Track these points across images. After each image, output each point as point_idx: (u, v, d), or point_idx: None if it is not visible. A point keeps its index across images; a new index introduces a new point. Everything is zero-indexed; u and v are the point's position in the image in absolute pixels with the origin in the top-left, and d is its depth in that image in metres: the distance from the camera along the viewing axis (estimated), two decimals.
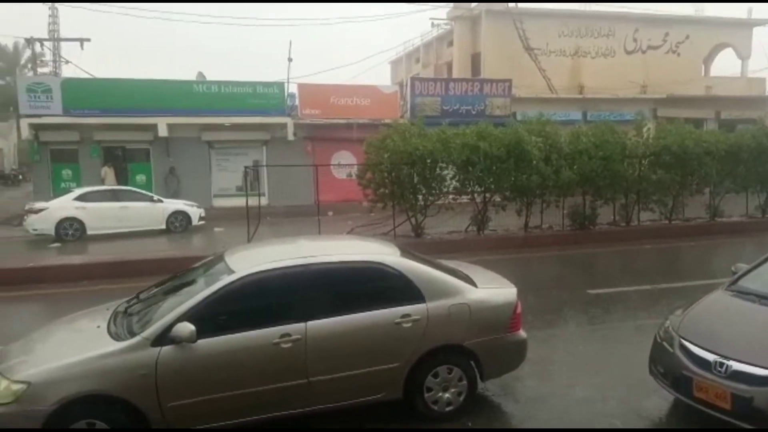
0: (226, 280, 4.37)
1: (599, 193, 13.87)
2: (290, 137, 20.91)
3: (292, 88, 21.81)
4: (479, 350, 4.76)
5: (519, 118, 14.73)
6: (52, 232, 14.75)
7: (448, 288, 4.82)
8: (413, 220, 12.98)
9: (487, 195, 13.31)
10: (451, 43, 31.95)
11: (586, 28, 28.07)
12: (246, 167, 15.03)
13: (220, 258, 4.97)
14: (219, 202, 20.14)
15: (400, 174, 12.34)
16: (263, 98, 20.84)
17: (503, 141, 12.72)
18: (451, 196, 13.18)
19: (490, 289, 5.07)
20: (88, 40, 29.19)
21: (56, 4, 29.53)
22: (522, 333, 5.00)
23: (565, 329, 7.28)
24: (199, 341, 4.07)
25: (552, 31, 27.45)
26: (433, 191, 12.82)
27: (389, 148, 12.41)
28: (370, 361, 4.48)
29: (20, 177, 33.62)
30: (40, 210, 14.99)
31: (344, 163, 18.68)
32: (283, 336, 4.27)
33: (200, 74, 24.07)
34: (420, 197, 12.83)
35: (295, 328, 4.32)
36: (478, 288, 4.97)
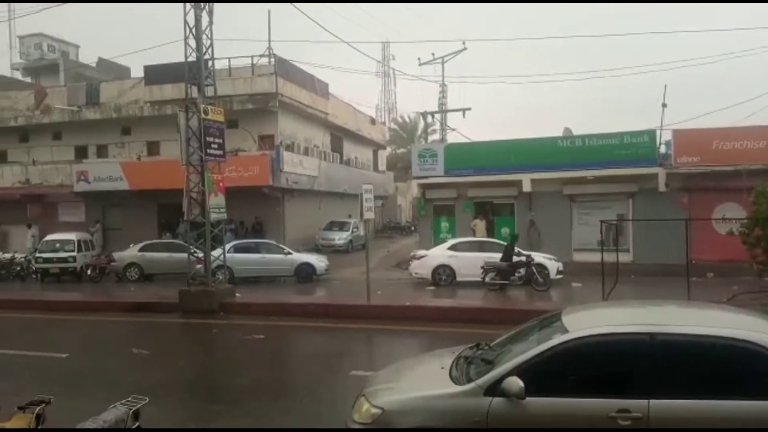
0: (558, 339, 4.18)
1: None
2: (661, 188, 19.05)
3: (666, 135, 20.04)
4: None
5: None
6: (429, 277, 16.87)
7: None
8: None
9: None
10: None
11: None
12: (602, 221, 14.20)
13: (557, 316, 4.80)
14: (579, 257, 19.62)
15: None
16: (631, 148, 19.67)
17: None
18: None
19: None
20: (469, 109, 33.09)
21: (446, 84, 34.86)
22: None
23: None
24: (529, 399, 3.96)
25: None
26: None
27: None
28: None
29: (413, 228, 40.02)
30: (422, 257, 17.42)
31: (729, 216, 15.95)
32: (620, 411, 3.80)
33: (567, 129, 24.35)
34: None
35: (636, 404, 3.80)
36: None
